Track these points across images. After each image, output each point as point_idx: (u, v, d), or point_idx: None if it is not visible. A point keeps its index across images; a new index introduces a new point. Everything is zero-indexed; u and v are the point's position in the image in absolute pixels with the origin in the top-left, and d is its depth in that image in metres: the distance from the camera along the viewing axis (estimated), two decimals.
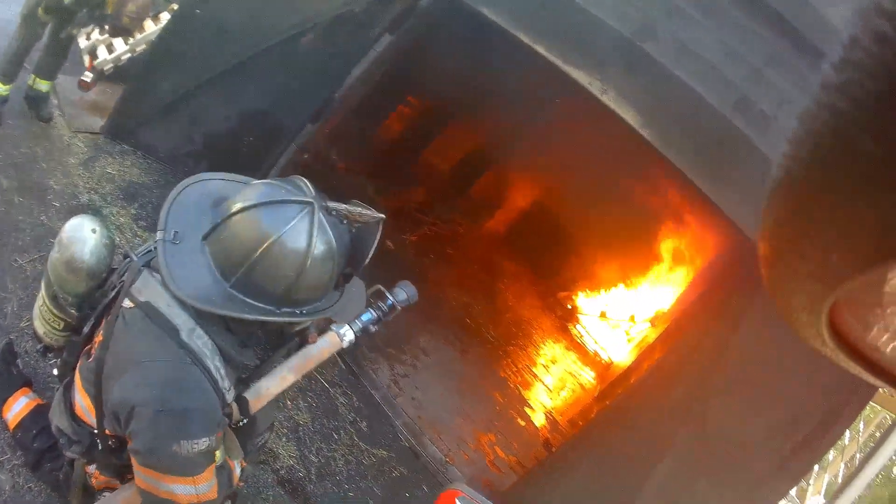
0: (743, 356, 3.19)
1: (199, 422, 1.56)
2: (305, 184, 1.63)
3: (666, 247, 7.40)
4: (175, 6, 4.74)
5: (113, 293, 1.77)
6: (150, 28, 5.19)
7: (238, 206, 1.56)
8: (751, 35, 3.49)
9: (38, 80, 4.18)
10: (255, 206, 1.54)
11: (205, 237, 1.61)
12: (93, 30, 4.94)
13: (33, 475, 2.44)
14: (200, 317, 1.59)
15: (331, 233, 1.58)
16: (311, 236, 1.54)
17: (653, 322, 7.69)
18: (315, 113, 4.48)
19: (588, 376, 7.35)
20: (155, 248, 1.72)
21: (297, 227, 1.53)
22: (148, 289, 1.64)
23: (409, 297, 1.98)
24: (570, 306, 8.54)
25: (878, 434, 3.94)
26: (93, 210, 3.86)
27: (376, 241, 1.67)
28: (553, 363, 7.08)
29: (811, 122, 0.23)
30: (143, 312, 1.60)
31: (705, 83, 3.44)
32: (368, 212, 1.65)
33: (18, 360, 2.70)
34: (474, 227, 7.99)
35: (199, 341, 1.59)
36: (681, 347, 3.85)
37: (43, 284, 1.97)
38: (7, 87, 4.11)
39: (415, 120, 7.14)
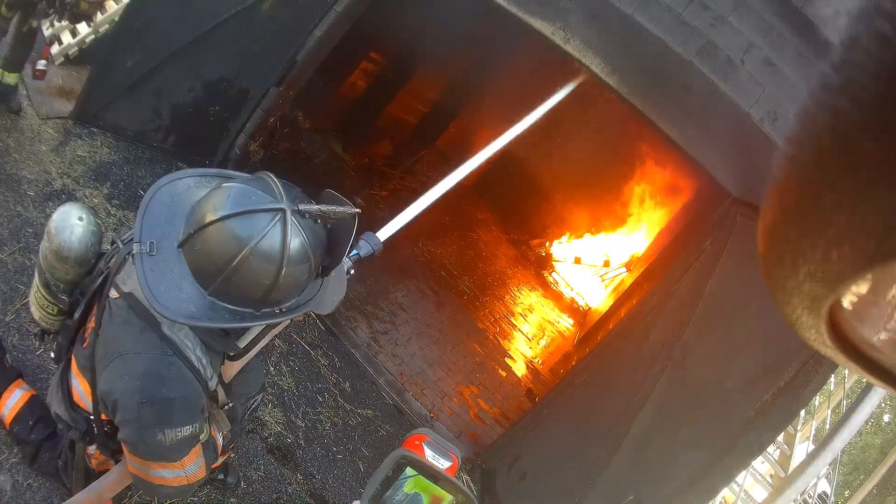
0: (719, 300, 3.15)
1: (181, 411, 1.59)
2: (276, 184, 1.57)
3: (637, 192, 7.28)
4: None
5: (101, 279, 1.79)
6: (113, 7, 4.94)
7: (210, 216, 1.49)
8: None
9: (5, 73, 4.02)
10: (227, 216, 1.47)
11: (180, 245, 1.54)
12: (55, 17, 4.67)
13: (31, 468, 2.43)
14: None
15: (304, 235, 1.53)
16: (284, 242, 1.48)
17: (628, 266, 7.59)
18: (279, 76, 4.38)
19: (567, 323, 7.31)
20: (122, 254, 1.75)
21: (271, 235, 1.48)
22: (132, 279, 1.64)
23: (373, 248, 1.94)
24: (543, 253, 8.43)
25: (864, 380, 3.83)
26: (66, 194, 3.74)
27: (352, 235, 1.61)
28: (530, 311, 7.01)
29: (811, 122, 0.22)
30: (126, 303, 1.62)
31: (670, 30, 3.32)
32: (343, 208, 1.59)
33: (7, 355, 2.69)
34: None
35: (181, 333, 1.62)
36: (657, 292, 3.78)
37: (36, 272, 1.96)
38: None
39: (378, 75, 6.99)
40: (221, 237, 1.48)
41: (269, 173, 1.60)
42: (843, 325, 0.30)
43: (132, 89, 4.23)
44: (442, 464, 0.97)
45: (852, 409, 3.03)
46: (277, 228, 1.48)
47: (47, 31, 4.97)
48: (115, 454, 1.91)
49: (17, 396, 2.48)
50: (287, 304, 1.62)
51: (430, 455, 0.96)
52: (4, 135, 3.96)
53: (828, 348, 0.31)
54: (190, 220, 1.56)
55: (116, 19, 4.74)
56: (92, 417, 1.82)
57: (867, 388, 3.04)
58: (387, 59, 6.69)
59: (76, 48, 4.93)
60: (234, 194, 1.52)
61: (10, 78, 4.10)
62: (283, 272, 1.50)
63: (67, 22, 4.78)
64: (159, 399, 1.55)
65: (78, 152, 4.11)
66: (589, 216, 8.15)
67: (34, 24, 3.94)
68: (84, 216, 1.86)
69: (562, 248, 8.43)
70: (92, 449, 1.97)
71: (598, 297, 7.84)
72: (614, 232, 8.05)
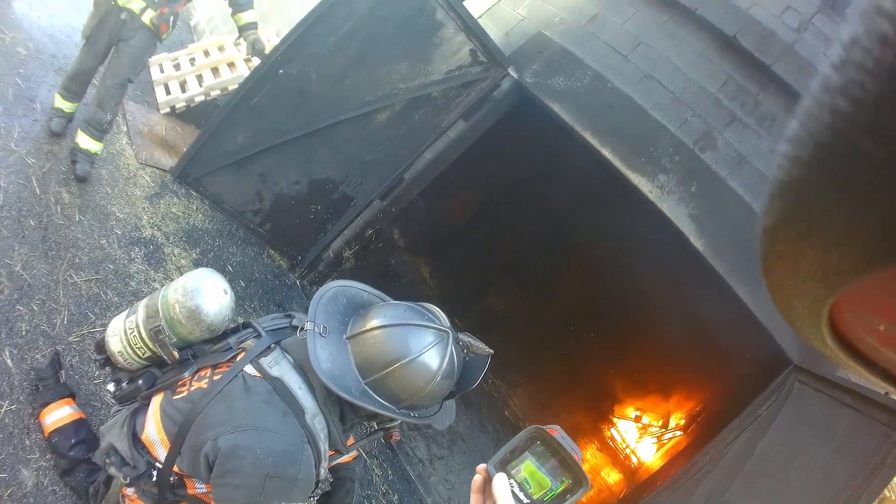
0: (766, 459, 3.50)
1: (300, 490, 1.89)
2: (440, 313, 2.00)
3: (706, 356, 7.68)
4: (255, 59, 5.03)
5: (229, 354, 2.06)
6: (226, 74, 5.63)
7: (387, 321, 1.91)
8: None
9: (91, 139, 4.19)
10: (402, 325, 1.90)
11: (349, 337, 1.94)
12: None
13: (62, 479, 2.67)
14: (324, 405, 1.94)
15: (455, 359, 1.94)
16: (442, 360, 1.89)
17: (684, 429, 7.99)
18: (384, 190, 4.82)
19: (615, 478, 7.64)
20: (284, 327, 2.12)
21: (434, 351, 1.88)
22: (279, 367, 1.97)
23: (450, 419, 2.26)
24: (606, 410, 8.85)
25: None
26: (154, 246, 4.13)
27: (483, 373, 2.02)
28: (584, 461, 7.30)
29: (812, 122, 0.24)
30: (271, 386, 1.91)
31: (758, 195, 3.83)
32: (483, 347, 2.03)
33: (63, 371, 2.97)
34: (525, 321, 8.39)
35: (319, 426, 1.94)
36: (707, 453, 4.09)
37: (143, 313, 2.18)
38: (72, 105, 4.32)
39: (477, 207, 7.49)
40: (393, 340, 1.87)
41: (434, 306, 2.04)
42: (843, 324, 0.33)
43: (238, 166, 4.72)
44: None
45: None
46: (440, 347, 1.89)
47: (155, 76, 5.60)
48: (159, 502, 2.10)
49: (64, 412, 2.77)
50: (421, 412, 1.99)
51: (560, 440, 1.13)
52: (99, 164, 4.32)
53: (828, 348, 0.35)
54: (364, 318, 1.96)
55: (229, 88, 5.38)
56: (158, 465, 2.03)
57: None
58: (488, 192, 7.16)
59: (184, 103, 5.49)
60: (410, 308, 1.97)
61: (94, 145, 4.23)
62: (433, 384, 1.87)
63: (180, 71, 5.54)
64: (287, 477, 1.84)
65: (172, 209, 4.52)
66: (658, 378, 8.57)
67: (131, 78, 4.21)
68: (228, 291, 2.20)
69: (625, 407, 8.90)
70: (130, 491, 2.17)
71: (650, 454, 8.24)
72: (676, 392, 8.49)
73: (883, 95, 0.22)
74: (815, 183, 0.26)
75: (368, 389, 1.89)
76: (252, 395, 1.89)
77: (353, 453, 2.45)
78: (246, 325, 2.18)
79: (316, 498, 2.54)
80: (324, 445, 1.96)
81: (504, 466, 1.13)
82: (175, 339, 2.14)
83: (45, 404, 2.81)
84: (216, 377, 1.99)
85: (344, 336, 1.95)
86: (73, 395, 2.91)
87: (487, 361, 2.05)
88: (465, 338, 2.04)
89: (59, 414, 2.77)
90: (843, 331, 0.34)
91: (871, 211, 0.24)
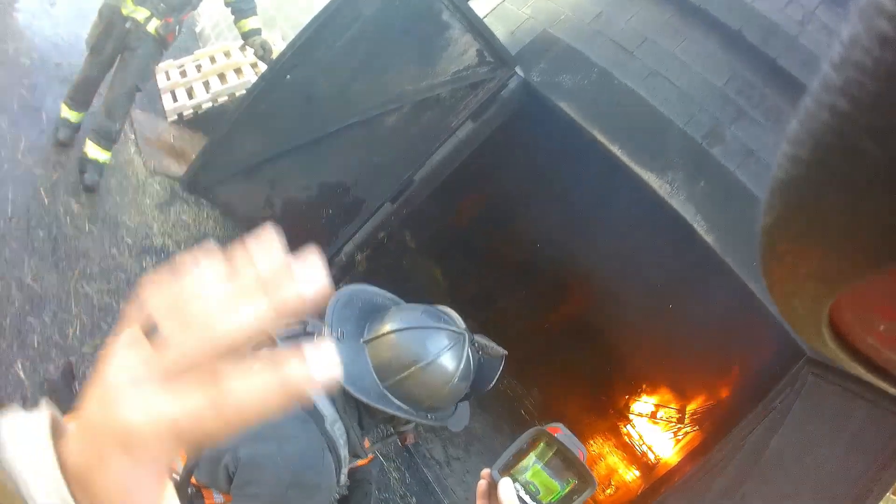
0: (780, 453, 3.54)
1: (321, 497, 1.92)
2: (455, 315, 2.04)
3: (719, 351, 7.70)
4: (261, 64, 5.12)
5: None
6: (233, 80, 5.68)
7: (403, 325, 1.91)
8: None
9: (99, 149, 4.23)
10: (420, 328, 1.92)
11: (367, 340, 1.96)
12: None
13: None
14: (343, 411, 1.95)
15: (472, 360, 1.97)
16: (459, 362, 1.91)
17: (699, 423, 8.01)
18: (395, 193, 4.83)
19: (633, 475, 7.70)
20: (299, 334, 2.09)
21: (451, 353, 1.91)
22: None
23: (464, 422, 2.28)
24: (622, 406, 8.88)
25: None
26: (166, 254, 4.15)
27: (498, 374, 2.06)
28: (601, 458, 7.47)
29: (811, 122, 0.24)
30: None
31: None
32: (498, 348, 2.08)
33: (76, 382, 2.88)
34: (535, 321, 8.43)
35: (338, 432, 1.94)
36: (723, 448, 4.13)
37: None
38: (79, 114, 4.37)
39: (487, 207, 7.54)
40: (410, 343, 1.89)
41: (449, 308, 2.06)
42: (843, 324, 0.33)
43: (247, 173, 4.77)
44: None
45: None
46: (457, 349, 1.91)
47: (161, 84, 5.63)
48: None
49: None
50: (437, 414, 2.03)
51: (562, 440, 1.14)
52: (108, 173, 4.36)
53: (828, 348, 0.34)
54: (380, 322, 1.96)
55: (236, 94, 5.43)
56: (174, 477, 2.02)
57: None
58: (498, 193, 7.23)
59: (191, 110, 5.55)
60: (426, 311, 1.98)
61: (102, 154, 4.24)
62: (450, 386, 1.91)
63: (187, 78, 5.56)
64: (308, 485, 1.86)
65: (182, 216, 4.60)
66: (672, 375, 8.59)
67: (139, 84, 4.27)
68: None
69: (640, 404, 8.94)
70: None
71: (667, 450, 8.27)
72: (691, 389, 8.52)
73: (883, 95, 0.21)
74: (814, 183, 0.26)
75: (387, 393, 1.92)
76: None
77: (370, 456, 2.47)
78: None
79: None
80: (343, 452, 1.96)
81: (508, 471, 1.13)
82: None
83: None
84: None
85: (361, 340, 1.97)
86: None
87: (502, 362, 2.09)
88: (480, 339, 2.07)
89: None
90: (843, 331, 0.34)
91: (871, 211, 0.24)
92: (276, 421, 1.72)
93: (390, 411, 1.90)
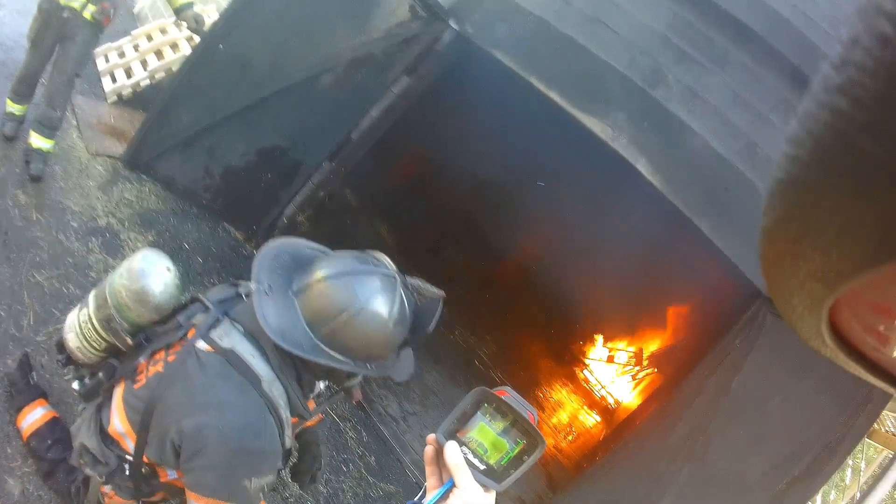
0: (743, 395, 3.50)
1: (268, 463, 1.87)
2: (386, 258, 1.96)
3: (673, 292, 7.79)
4: (196, 38, 5.06)
5: (181, 333, 1.98)
6: (170, 56, 5.60)
7: (333, 271, 1.87)
8: (757, 80, 3.86)
9: (42, 138, 4.24)
10: (349, 273, 1.85)
11: (295, 293, 1.89)
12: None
13: (45, 483, 2.66)
14: (279, 370, 1.88)
15: (407, 303, 1.90)
16: (392, 306, 1.85)
17: (658, 366, 8.13)
18: (332, 152, 4.81)
19: (595, 419, 7.73)
20: (231, 297, 2.05)
21: (383, 296, 1.84)
22: (230, 337, 1.90)
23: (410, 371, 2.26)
24: (577, 352, 8.96)
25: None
26: (111, 234, 4.14)
27: (436, 316, 1.97)
28: (560, 407, 7.42)
29: (811, 122, 0.24)
30: (224, 359, 1.85)
31: (713, 129, 3.82)
32: (433, 289, 2.01)
33: (34, 373, 2.96)
34: (486, 272, 8.44)
35: (277, 392, 1.88)
36: (684, 390, 4.14)
37: (93, 303, 2.13)
38: (22, 107, 4.35)
39: (429, 161, 7.49)
40: (340, 290, 1.82)
41: (380, 252, 1.98)
42: (843, 324, 0.33)
43: (186, 144, 4.69)
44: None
45: (864, 495, 3.51)
46: (389, 292, 1.85)
47: (101, 66, 5.56)
48: (137, 496, 2.08)
49: (38, 414, 2.75)
50: (377, 363, 1.96)
51: (509, 401, 1.10)
52: (52, 161, 4.32)
53: (828, 348, 0.34)
54: (309, 272, 1.91)
55: (173, 69, 5.33)
56: (128, 458, 1.99)
57: (879, 476, 3.56)
58: (437, 146, 7.19)
59: (130, 89, 5.47)
60: (354, 257, 1.92)
61: (45, 143, 4.25)
62: (385, 331, 1.85)
63: (125, 58, 5.47)
64: (254, 451, 1.82)
65: (125, 195, 4.54)
66: (626, 317, 8.58)
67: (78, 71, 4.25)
68: (171, 268, 2.13)
69: (596, 348, 8.98)
70: (108, 488, 2.11)
71: (627, 394, 8.37)
72: (647, 331, 8.63)
73: (883, 95, 0.22)
74: (814, 182, 0.26)
75: (321, 344, 1.85)
76: (207, 370, 1.85)
77: (318, 416, 2.42)
78: (193, 301, 2.11)
79: (288, 469, 2.52)
80: (285, 413, 1.91)
81: (454, 434, 1.10)
82: (126, 325, 2.09)
83: (20, 409, 2.81)
84: (170, 358, 1.95)
85: (290, 292, 1.91)
86: (45, 396, 2.91)
87: (440, 304, 2.02)
88: (415, 281, 2.00)
89: (33, 416, 2.76)
90: (843, 331, 0.34)
91: (870, 211, 0.24)
92: (214, 387, 1.84)
93: (325, 362, 1.84)
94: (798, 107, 0.26)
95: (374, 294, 1.84)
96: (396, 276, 1.92)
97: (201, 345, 1.89)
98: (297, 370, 1.95)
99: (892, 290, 0.29)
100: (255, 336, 1.91)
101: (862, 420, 3.35)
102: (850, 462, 7.29)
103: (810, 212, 0.27)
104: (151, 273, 2.08)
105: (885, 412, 5.47)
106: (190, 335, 1.96)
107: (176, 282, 2.14)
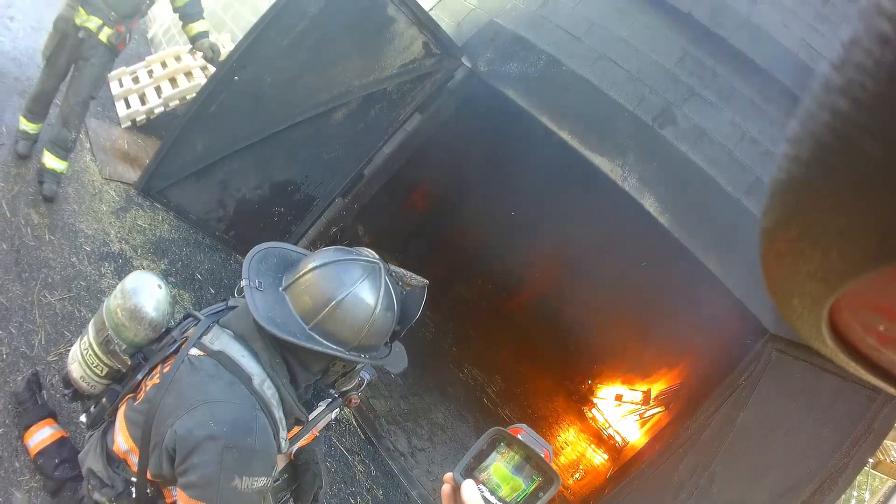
0: (747, 429, 3.53)
1: (260, 461, 1.83)
2: (368, 250, 2.02)
3: (681, 330, 7.79)
4: (210, 67, 5.10)
5: (174, 347, 2.00)
6: (184, 84, 5.65)
7: (317, 262, 1.91)
8: (763, 115, 3.92)
9: (56, 158, 4.24)
10: (332, 262, 1.90)
11: (285, 288, 1.94)
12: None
13: (52, 500, 2.62)
14: (270, 368, 1.89)
15: (392, 289, 1.96)
16: (378, 292, 1.90)
17: (665, 405, 8.11)
18: (345, 188, 4.84)
19: (602, 458, 7.69)
20: (221, 309, 2.09)
21: (368, 282, 1.89)
22: (220, 340, 1.92)
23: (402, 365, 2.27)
24: (586, 391, 8.90)
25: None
26: (123, 259, 4.14)
27: (422, 304, 2.05)
28: (567, 444, 7.40)
29: (812, 122, 0.24)
30: (215, 360, 1.87)
31: (720, 168, 3.86)
32: (416, 277, 2.07)
33: (43, 392, 2.92)
34: (495, 309, 8.43)
35: (269, 391, 1.88)
36: (690, 426, 4.11)
37: (92, 329, 2.14)
38: (36, 126, 4.36)
39: (440, 198, 7.55)
40: (326, 279, 1.88)
41: (365, 248, 2.03)
42: (843, 324, 0.33)
43: (199, 175, 4.72)
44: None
45: None
46: (373, 278, 1.90)
47: (115, 91, 5.61)
48: None
49: (45, 433, 2.72)
50: (371, 353, 1.99)
51: (524, 440, 1.11)
52: (64, 182, 4.34)
53: (828, 348, 0.34)
54: (296, 269, 1.97)
55: (187, 97, 5.38)
56: (132, 479, 1.97)
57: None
58: (450, 182, 7.23)
59: (144, 116, 5.52)
60: (337, 249, 1.96)
61: (59, 164, 4.26)
62: (374, 315, 1.89)
63: (139, 84, 5.51)
64: (244, 447, 1.77)
65: (138, 222, 4.54)
66: (635, 357, 8.51)
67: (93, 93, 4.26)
68: (162, 285, 2.15)
69: (604, 389, 8.86)
70: None
71: (634, 432, 8.33)
72: (655, 370, 8.61)
73: (883, 95, 0.22)
74: (814, 183, 0.26)
75: (313, 334, 1.89)
76: (198, 372, 1.86)
77: (312, 433, 2.38)
78: (186, 317, 2.15)
79: (289, 495, 2.51)
80: (278, 412, 1.91)
81: (471, 472, 1.10)
82: (124, 346, 2.12)
83: (27, 427, 2.78)
84: (166, 369, 1.96)
85: (280, 289, 1.96)
86: (53, 415, 2.87)
87: (424, 292, 2.07)
88: (398, 270, 2.06)
89: (40, 436, 2.73)
90: (843, 331, 0.34)
91: (870, 211, 0.24)
92: (203, 386, 1.83)
93: (319, 348, 1.86)
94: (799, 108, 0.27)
95: (360, 279, 1.90)
96: (379, 262, 1.96)
97: (193, 351, 1.92)
98: (290, 369, 1.97)
99: (892, 291, 0.29)
100: (245, 338, 1.94)
101: (864, 449, 3.37)
102: (856, 494, 7.27)
103: (810, 212, 0.27)
104: (143, 291, 2.12)
105: (889, 443, 5.44)
106: (183, 346, 1.98)
107: (168, 298, 2.17)
